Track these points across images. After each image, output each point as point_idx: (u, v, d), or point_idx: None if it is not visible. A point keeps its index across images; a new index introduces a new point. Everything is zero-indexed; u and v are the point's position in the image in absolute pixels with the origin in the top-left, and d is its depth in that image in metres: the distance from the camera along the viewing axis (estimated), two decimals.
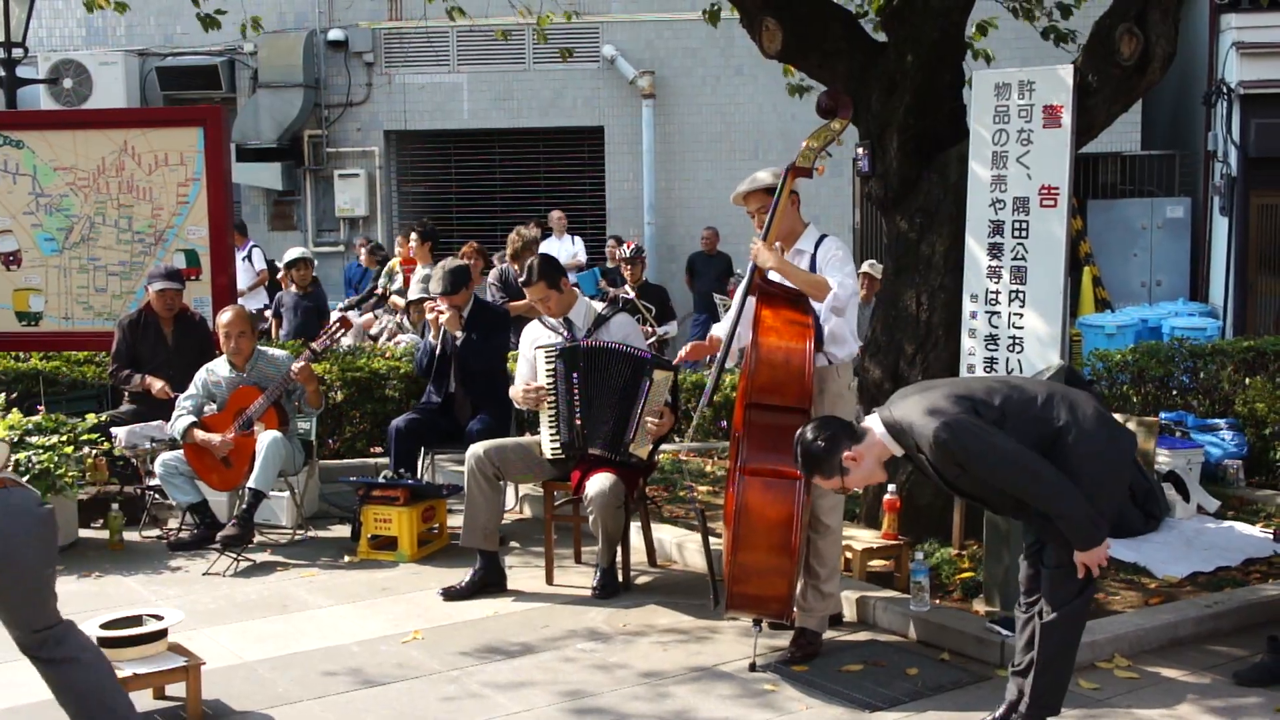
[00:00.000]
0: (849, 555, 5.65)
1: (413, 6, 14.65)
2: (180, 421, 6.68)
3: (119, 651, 4.31)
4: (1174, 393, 8.15)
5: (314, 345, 6.88)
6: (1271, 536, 6.29)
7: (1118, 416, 5.43)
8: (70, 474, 6.41)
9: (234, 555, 6.42)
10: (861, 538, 5.81)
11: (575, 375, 5.93)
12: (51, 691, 3.91)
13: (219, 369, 6.84)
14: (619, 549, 5.92)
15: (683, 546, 6.34)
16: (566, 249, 13.18)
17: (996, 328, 5.78)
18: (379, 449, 8.37)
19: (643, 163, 14.98)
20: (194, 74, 15.10)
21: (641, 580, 6.10)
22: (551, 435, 5.98)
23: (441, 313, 6.90)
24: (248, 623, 5.53)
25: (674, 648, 5.15)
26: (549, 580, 6.08)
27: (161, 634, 4.50)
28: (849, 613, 5.41)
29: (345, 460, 8.37)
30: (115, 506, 6.89)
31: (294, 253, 10.95)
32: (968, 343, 5.90)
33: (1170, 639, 5.07)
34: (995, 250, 5.77)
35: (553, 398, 5.97)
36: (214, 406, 6.79)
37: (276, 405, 6.71)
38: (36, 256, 8.07)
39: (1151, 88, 5.88)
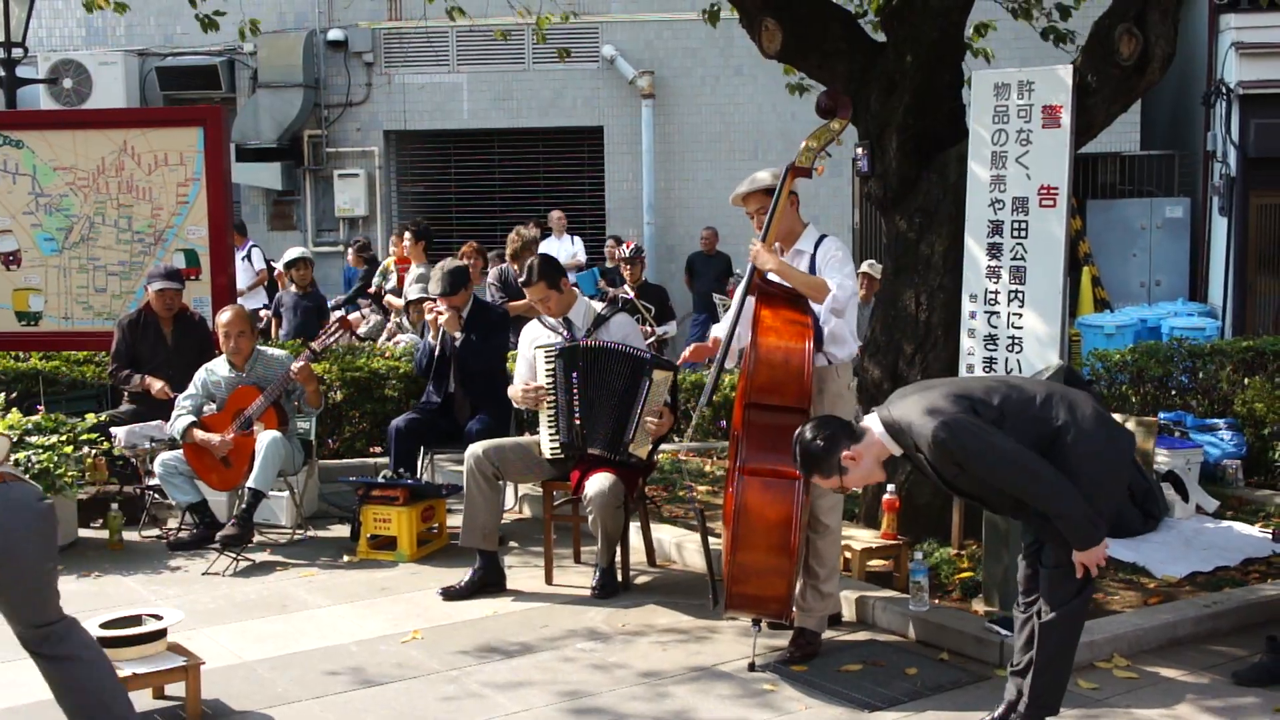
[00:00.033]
0: (848, 555, 5.65)
1: (412, 6, 14.65)
2: (180, 421, 6.68)
3: (118, 651, 4.31)
4: (1173, 393, 8.16)
5: (313, 345, 6.88)
6: (1270, 536, 6.29)
7: (1117, 416, 5.43)
8: (70, 474, 6.41)
9: (233, 555, 6.43)
10: (861, 537, 5.81)
11: (575, 375, 5.93)
12: (50, 689, 3.91)
13: (218, 369, 6.84)
14: (618, 549, 5.93)
15: (682, 546, 6.34)
16: (566, 249, 13.18)
17: (996, 328, 5.79)
18: (378, 449, 8.37)
19: (642, 163, 14.98)
20: (194, 74, 15.10)
21: (641, 580, 6.10)
22: (551, 435, 5.99)
23: (440, 314, 6.90)
24: (247, 622, 5.53)
25: (673, 647, 5.15)
26: (548, 580, 6.08)
27: (161, 634, 4.50)
28: (848, 612, 5.41)
29: (345, 460, 8.37)
30: (115, 506, 6.89)
31: (293, 253, 10.95)
32: (967, 343, 5.90)
33: (1169, 639, 5.07)
34: (994, 250, 5.77)
35: (552, 397, 5.97)
36: (213, 406, 6.79)
37: (276, 405, 6.71)
38: (36, 256, 8.07)
39: (1151, 88, 5.89)
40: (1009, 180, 5.72)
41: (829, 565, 5.02)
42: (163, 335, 7.49)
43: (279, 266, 12.14)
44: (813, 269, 4.96)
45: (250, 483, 6.50)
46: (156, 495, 7.08)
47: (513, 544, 6.80)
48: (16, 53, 11.81)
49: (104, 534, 6.78)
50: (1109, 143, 13.30)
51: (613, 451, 5.86)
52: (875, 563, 5.78)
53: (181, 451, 6.67)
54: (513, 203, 15.46)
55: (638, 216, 15.06)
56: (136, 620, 4.55)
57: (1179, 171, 14.32)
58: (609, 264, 12.74)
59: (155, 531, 7.04)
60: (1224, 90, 13.26)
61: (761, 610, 4.82)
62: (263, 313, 11.23)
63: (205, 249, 7.90)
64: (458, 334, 6.91)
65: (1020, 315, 5.70)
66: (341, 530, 7.10)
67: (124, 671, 4.21)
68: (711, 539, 5.47)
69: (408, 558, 6.45)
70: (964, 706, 4.48)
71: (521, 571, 6.25)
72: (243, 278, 11.17)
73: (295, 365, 6.69)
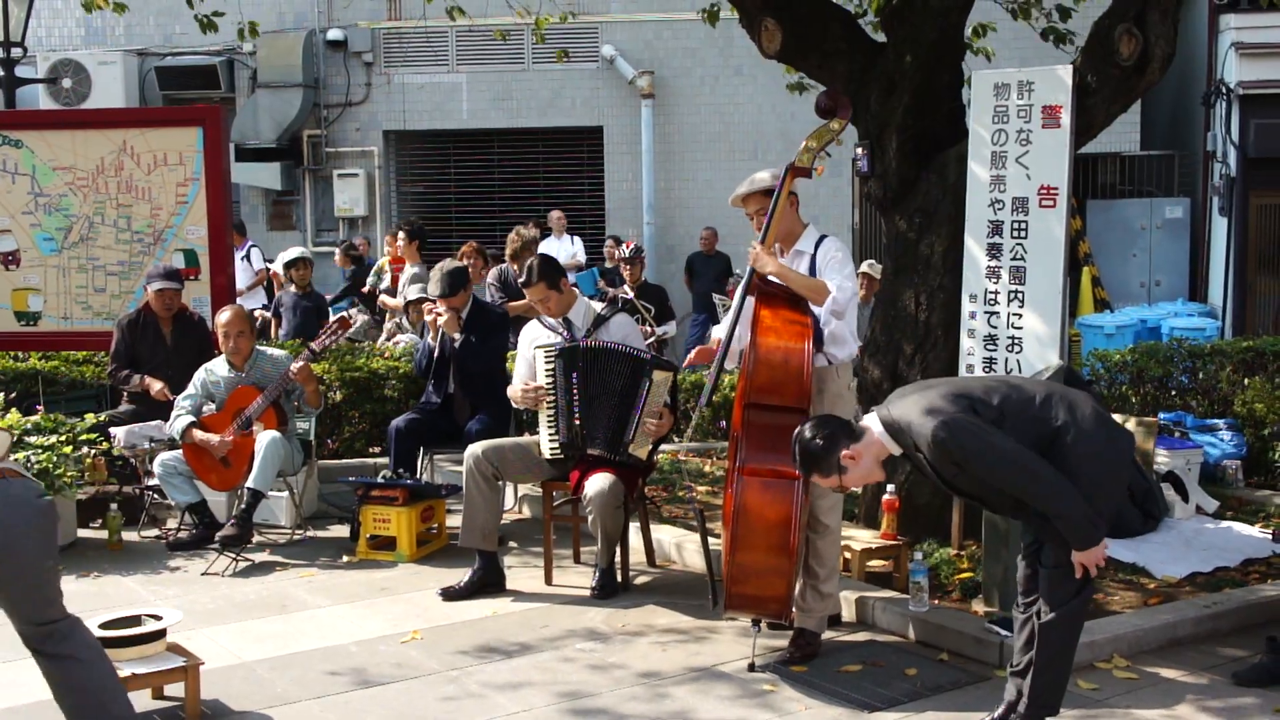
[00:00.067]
0: (848, 555, 5.65)
1: (412, 6, 14.64)
2: (179, 421, 6.68)
3: (117, 651, 4.30)
4: (1173, 393, 8.16)
5: (313, 345, 6.88)
6: (1270, 537, 6.29)
7: (1117, 417, 5.43)
8: (69, 474, 6.41)
9: (233, 555, 6.42)
10: (860, 538, 5.81)
11: (575, 375, 5.92)
12: (50, 687, 3.91)
13: (218, 369, 6.84)
14: (618, 549, 5.92)
15: (681, 547, 6.34)
16: (566, 249, 13.18)
17: (995, 328, 5.78)
18: (378, 449, 8.37)
19: (642, 163, 14.98)
20: (193, 74, 15.10)
21: (640, 580, 6.10)
22: (550, 435, 5.98)
23: (440, 315, 6.90)
24: (246, 623, 5.53)
25: (673, 648, 5.15)
26: (548, 580, 6.08)
27: (160, 634, 4.50)
28: (848, 613, 5.41)
29: (344, 460, 8.37)
30: (114, 506, 6.88)
31: (293, 252, 10.95)
32: (966, 343, 5.90)
33: (1169, 639, 5.07)
34: (994, 250, 5.77)
35: (552, 397, 5.97)
36: (213, 406, 6.79)
37: (275, 405, 6.70)
38: (35, 256, 8.07)
39: (1150, 88, 5.89)
40: (1009, 180, 5.71)
41: (829, 565, 5.01)
42: (162, 335, 7.49)
43: (273, 267, 12.16)
44: (813, 269, 4.96)
45: (249, 483, 6.50)
46: (156, 495, 7.07)
47: (512, 544, 6.80)
48: (16, 52, 11.82)
49: (103, 534, 6.78)
50: (1109, 143, 13.30)
51: (612, 452, 5.86)
52: (875, 563, 5.78)
53: (181, 452, 6.67)
54: (512, 203, 15.45)
55: (637, 216, 15.06)
56: (136, 620, 4.55)
57: (1179, 172, 14.32)
58: (608, 264, 12.74)
59: (154, 532, 7.04)
60: (1224, 90, 13.27)
61: (761, 611, 4.81)
62: (259, 313, 11.22)
63: (204, 249, 7.90)
64: (457, 335, 6.91)
65: (1020, 315, 5.69)
66: (341, 530, 7.10)
67: (123, 672, 4.20)
68: (711, 539, 5.47)
69: (407, 558, 6.44)
70: (964, 707, 4.48)
71: (521, 572, 6.25)
72: (242, 278, 11.17)
73: (295, 365, 6.68)
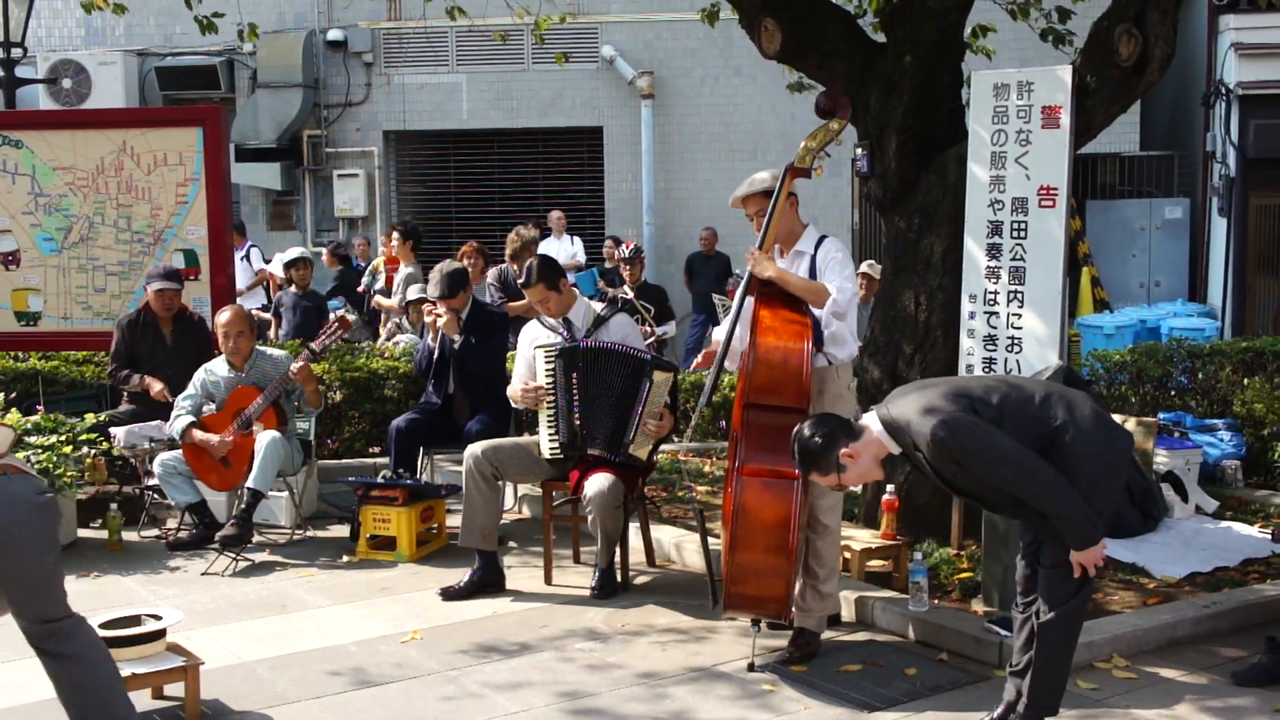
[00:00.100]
0: (847, 555, 5.65)
1: (412, 6, 14.66)
2: (179, 421, 6.68)
3: (117, 651, 4.29)
4: (1172, 393, 8.16)
5: (313, 345, 6.88)
6: (1270, 537, 6.30)
7: (1116, 417, 5.43)
8: (69, 474, 6.41)
9: (233, 555, 6.42)
10: (860, 538, 5.81)
11: (575, 375, 5.92)
12: (53, 686, 3.90)
13: (218, 369, 6.84)
14: (618, 549, 5.93)
15: (681, 547, 6.34)
16: (565, 249, 13.18)
17: (995, 328, 5.79)
18: (377, 449, 8.37)
19: (642, 163, 14.98)
20: (193, 74, 15.11)
21: (640, 580, 6.10)
22: (550, 435, 5.98)
23: (439, 316, 6.90)
24: (246, 623, 5.53)
25: (672, 648, 5.15)
26: (547, 580, 6.08)
27: (160, 634, 4.50)
28: (847, 613, 5.41)
29: (344, 460, 8.37)
30: (114, 506, 6.89)
31: (293, 253, 10.95)
32: (966, 343, 5.90)
33: (1168, 639, 5.07)
34: (994, 251, 5.77)
35: (551, 397, 5.97)
36: (213, 406, 6.79)
37: (275, 405, 6.71)
38: (35, 256, 8.07)
39: (1150, 88, 5.89)
40: (1008, 181, 5.72)
41: (828, 565, 5.01)
42: (162, 335, 7.49)
43: (267, 268, 12.15)
44: (813, 270, 4.96)
45: (249, 483, 6.50)
46: (156, 495, 7.07)
47: (512, 544, 6.80)
48: (16, 53, 11.81)
49: (103, 534, 6.78)
50: (1108, 143, 13.31)
51: (612, 452, 5.86)
52: (875, 563, 5.78)
53: (181, 452, 6.67)
54: (512, 203, 15.46)
55: (637, 217, 15.07)
56: (136, 620, 4.55)
57: (1178, 172, 14.32)
58: (608, 264, 12.74)
59: (154, 532, 7.04)
60: (1223, 91, 13.27)
61: (760, 610, 4.81)
62: (257, 313, 11.22)
63: (204, 249, 7.90)
64: (456, 336, 6.91)
65: (1020, 316, 5.70)
66: (341, 530, 7.10)
67: (123, 672, 4.19)
68: (711, 539, 5.47)
69: (407, 558, 6.45)
70: (963, 707, 4.48)
71: (521, 572, 6.25)
72: (241, 278, 11.17)
73: (294, 365, 6.69)
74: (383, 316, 11.03)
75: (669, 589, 5.95)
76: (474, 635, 5.32)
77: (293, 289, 10.66)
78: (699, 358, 5.36)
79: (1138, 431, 6.51)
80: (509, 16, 8.68)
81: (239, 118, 14.85)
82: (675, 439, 8.11)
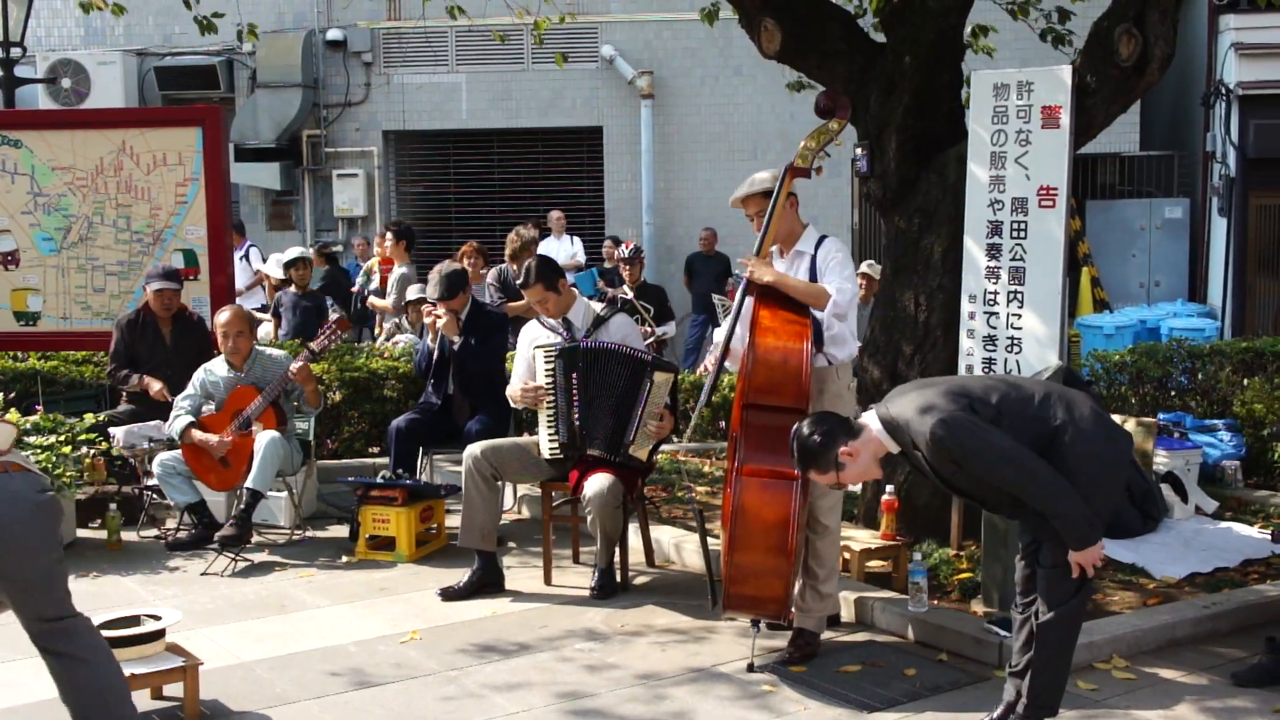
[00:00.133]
0: (847, 556, 5.65)
1: (411, 6, 14.66)
2: (178, 421, 6.68)
3: (116, 652, 4.27)
4: (1172, 393, 8.16)
5: (312, 345, 6.87)
6: (1269, 537, 6.29)
7: (1116, 417, 5.43)
8: (68, 474, 6.42)
9: (232, 555, 6.42)
10: (860, 538, 5.81)
11: (574, 375, 5.92)
12: (55, 685, 3.90)
13: (217, 369, 6.83)
14: (617, 549, 5.92)
15: (681, 547, 6.34)
16: (565, 249, 13.18)
17: (995, 328, 5.78)
18: (377, 449, 8.36)
19: (641, 163, 14.98)
20: (192, 74, 15.10)
21: (639, 581, 6.10)
22: (550, 436, 5.98)
23: (439, 317, 6.90)
24: (246, 623, 5.52)
25: (672, 648, 5.15)
26: (547, 580, 6.07)
27: (159, 634, 4.50)
28: (847, 613, 5.41)
29: (343, 460, 8.37)
30: (113, 506, 6.88)
31: (293, 253, 10.95)
32: (966, 343, 5.90)
33: (1168, 640, 5.07)
34: (994, 251, 5.77)
35: (551, 397, 5.96)
36: (212, 406, 6.78)
37: (274, 405, 6.70)
38: (34, 256, 8.07)
39: (1150, 88, 5.89)
40: (1008, 181, 5.71)
41: (828, 566, 5.01)
42: (161, 335, 7.49)
43: (262, 268, 12.14)
44: (813, 270, 4.95)
45: (249, 483, 6.50)
46: (155, 495, 7.07)
47: (511, 544, 6.79)
48: (15, 52, 11.81)
49: (102, 534, 6.78)
50: (1108, 143, 13.30)
51: (612, 453, 5.86)
52: (874, 563, 5.77)
53: (180, 452, 6.66)
54: (512, 203, 15.45)
55: (637, 217, 15.06)
56: (135, 620, 4.55)
57: (1178, 172, 14.32)
58: (608, 264, 12.74)
59: (154, 532, 7.03)
60: (1223, 91, 13.27)
61: (760, 611, 4.81)
62: (256, 313, 11.21)
63: (204, 249, 7.90)
64: (456, 337, 6.91)
65: (1019, 316, 5.69)
66: (340, 531, 7.10)
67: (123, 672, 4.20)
68: (710, 539, 5.47)
69: (406, 558, 6.44)
70: (963, 707, 4.48)
71: (520, 572, 6.24)
72: (240, 278, 11.16)
73: (294, 365, 6.68)
74: (377, 317, 11.03)
75: (668, 589, 5.95)
76: (473, 635, 5.32)
77: (292, 289, 10.65)
78: (703, 365, 5.35)
79: (1137, 432, 6.51)
80: (509, 16, 8.69)
81: (238, 118, 14.85)
82: (675, 439, 8.11)
